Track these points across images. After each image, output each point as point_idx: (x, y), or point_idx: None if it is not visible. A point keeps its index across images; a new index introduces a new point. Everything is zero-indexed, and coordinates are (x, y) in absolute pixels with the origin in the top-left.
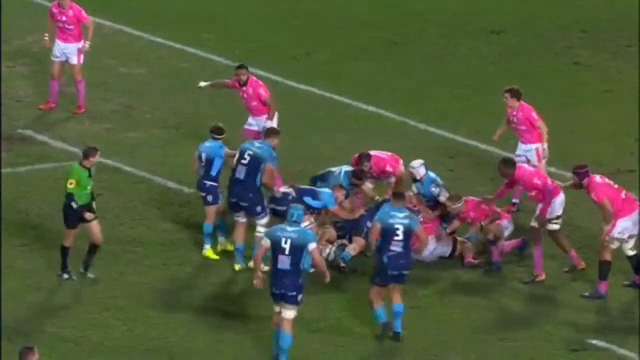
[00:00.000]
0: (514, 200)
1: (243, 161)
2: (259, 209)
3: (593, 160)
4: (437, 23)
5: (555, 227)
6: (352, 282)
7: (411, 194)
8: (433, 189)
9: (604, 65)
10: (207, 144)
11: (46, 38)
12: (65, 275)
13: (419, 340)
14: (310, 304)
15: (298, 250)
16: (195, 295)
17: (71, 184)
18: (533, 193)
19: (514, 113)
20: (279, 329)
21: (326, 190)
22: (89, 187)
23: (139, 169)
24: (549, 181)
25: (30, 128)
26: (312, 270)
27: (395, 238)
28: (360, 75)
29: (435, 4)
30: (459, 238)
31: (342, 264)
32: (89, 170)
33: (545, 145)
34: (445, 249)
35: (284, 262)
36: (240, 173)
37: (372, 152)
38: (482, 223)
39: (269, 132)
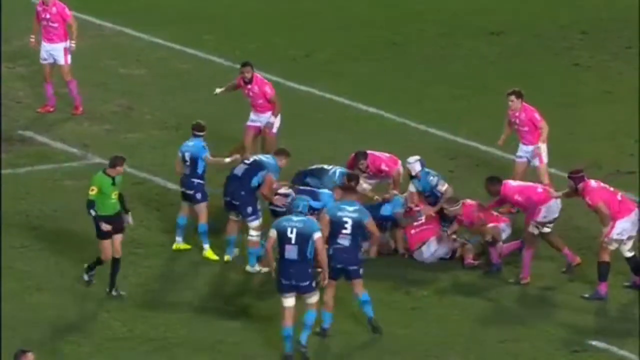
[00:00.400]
0: None
1: (246, 161)
2: (249, 210)
3: (593, 160)
4: (437, 23)
5: (547, 230)
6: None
7: (412, 191)
8: (431, 178)
9: (604, 66)
10: (190, 142)
11: (32, 39)
12: (86, 277)
13: (419, 341)
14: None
15: (304, 239)
16: (195, 295)
17: (92, 190)
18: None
19: (517, 114)
20: (309, 309)
21: (326, 191)
22: (113, 196)
23: (138, 170)
24: (538, 189)
25: (30, 129)
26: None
27: (343, 231)
28: (360, 75)
29: (435, 4)
30: (459, 239)
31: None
32: (114, 178)
33: (542, 145)
34: (446, 250)
35: (291, 252)
36: (239, 170)
37: (369, 151)
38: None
39: (280, 152)
